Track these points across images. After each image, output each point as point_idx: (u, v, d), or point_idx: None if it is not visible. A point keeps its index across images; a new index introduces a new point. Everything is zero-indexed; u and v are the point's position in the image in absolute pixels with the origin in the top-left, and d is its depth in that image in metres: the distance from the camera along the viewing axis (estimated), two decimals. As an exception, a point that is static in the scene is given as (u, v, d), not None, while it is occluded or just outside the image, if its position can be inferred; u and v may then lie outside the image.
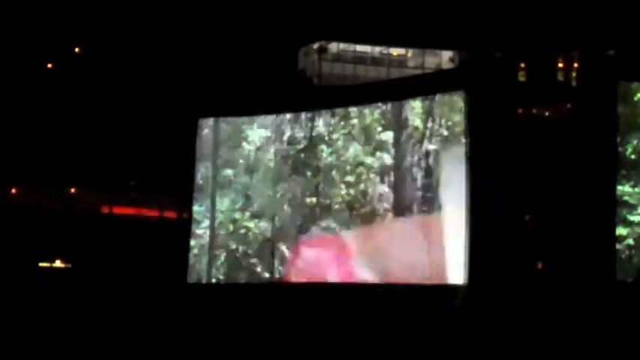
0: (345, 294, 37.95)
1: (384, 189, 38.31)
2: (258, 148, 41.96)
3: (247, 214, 41.81)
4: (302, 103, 41.61)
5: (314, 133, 40.60)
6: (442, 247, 36.03)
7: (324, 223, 39.70)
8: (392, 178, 38.16)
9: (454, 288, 35.21)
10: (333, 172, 39.86)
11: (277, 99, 42.10)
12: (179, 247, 42.58)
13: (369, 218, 38.57)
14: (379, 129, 38.92)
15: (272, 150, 41.56)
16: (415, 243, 36.73)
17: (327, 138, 40.17)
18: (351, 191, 39.23)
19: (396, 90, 39.57)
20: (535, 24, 37.71)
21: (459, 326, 33.82)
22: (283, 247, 40.69)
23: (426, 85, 39.04)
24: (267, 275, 40.84)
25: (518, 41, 37.84)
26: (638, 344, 31.64)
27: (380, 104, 39.10)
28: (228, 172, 42.45)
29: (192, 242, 42.43)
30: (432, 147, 37.23)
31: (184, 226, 43.05)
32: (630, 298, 33.91)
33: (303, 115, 40.83)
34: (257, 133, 42.04)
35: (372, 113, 39.15)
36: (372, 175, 38.72)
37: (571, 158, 35.74)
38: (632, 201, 35.08)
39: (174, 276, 41.94)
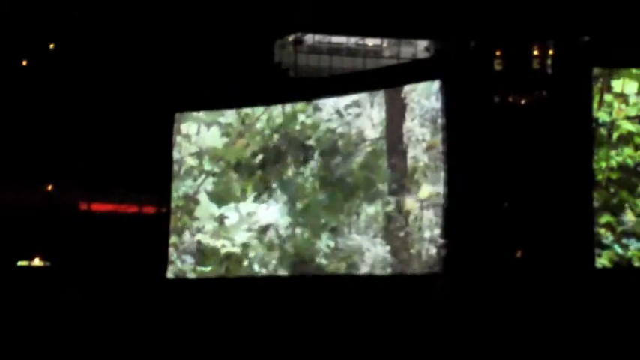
0: (324, 286, 38.00)
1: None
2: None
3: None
4: (279, 95, 41.63)
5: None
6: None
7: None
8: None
9: (432, 277, 35.27)
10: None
11: (253, 91, 42.09)
12: (158, 243, 42.55)
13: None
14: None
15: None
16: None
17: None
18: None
19: (372, 80, 39.62)
20: (510, 12, 37.71)
21: (438, 316, 33.88)
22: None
23: (402, 74, 39.10)
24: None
25: (493, 30, 37.84)
26: (617, 331, 31.77)
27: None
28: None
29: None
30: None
31: (163, 221, 43.03)
32: (609, 285, 34.08)
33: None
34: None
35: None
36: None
37: (548, 144, 35.84)
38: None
39: (154, 271, 41.93)
